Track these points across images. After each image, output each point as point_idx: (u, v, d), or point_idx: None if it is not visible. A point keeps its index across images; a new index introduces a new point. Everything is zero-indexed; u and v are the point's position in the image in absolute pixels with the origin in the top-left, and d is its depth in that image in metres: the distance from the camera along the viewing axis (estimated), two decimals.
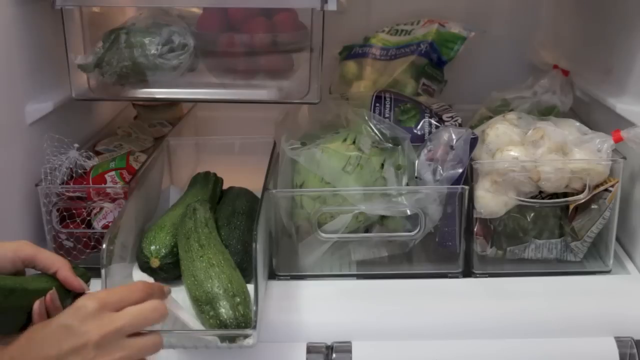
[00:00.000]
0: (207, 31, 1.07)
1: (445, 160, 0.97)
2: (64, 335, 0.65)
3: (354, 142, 1.01)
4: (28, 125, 1.02)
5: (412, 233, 0.98)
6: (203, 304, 0.84)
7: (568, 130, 1.00)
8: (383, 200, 0.97)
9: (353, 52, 1.37)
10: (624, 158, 0.97)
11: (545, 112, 1.15)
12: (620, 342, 0.89)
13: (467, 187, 0.96)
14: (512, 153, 0.96)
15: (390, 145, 1.02)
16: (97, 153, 1.15)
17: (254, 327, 0.82)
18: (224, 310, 0.83)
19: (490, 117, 1.12)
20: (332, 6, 0.98)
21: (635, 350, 0.88)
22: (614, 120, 1.05)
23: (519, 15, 1.46)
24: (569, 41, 1.38)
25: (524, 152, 0.96)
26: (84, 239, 1.01)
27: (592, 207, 0.97)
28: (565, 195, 0.98)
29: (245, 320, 0.83)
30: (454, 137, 0.97)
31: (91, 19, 1.08)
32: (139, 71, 1.04)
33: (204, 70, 1.10)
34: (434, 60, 1.32)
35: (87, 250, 1.02)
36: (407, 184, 0.99)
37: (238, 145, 1.27)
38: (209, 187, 1.11)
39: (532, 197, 0.97)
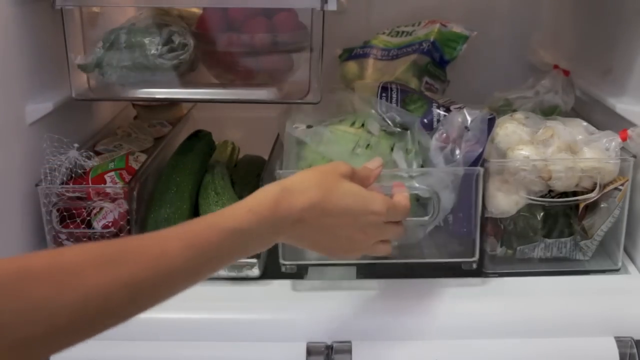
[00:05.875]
0: (207, 31, 1.07)
1: (461, 142, 0.93)
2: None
3: (362, 126, 0.99)
4: (28, 125, 1.02)
5: (426, 218, 0.93)
6: None
7: (576, 129, 1.00)
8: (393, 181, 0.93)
9: (354, 54, 1.36)
10: (634, 157, 0.97)
11: (548, 112, 1.16)
12: (620, 342, 0.89)
13: (482, 169, 0.92)
14: (523, 152, 0.96)
15: (399, 129, 1.00)
16: (97, 153, 1.15)
17: (258, 257, 0.95)
18: None
19: None
20: (332, 6, 0.98)
21: (635, 350, 0.88)
22: (614, 120, 1.05)
23: (519, 15, 1.46)
24: (569, 41, 1.38)
25: (535, 151, 0.96)
26: (84, 239, 1.01)
27: (602, 205, 0.97)
28: (574, 194, 0.98)
29: None
30: (468, 118, 0.94)
31: (91, 19, 1.08)
32: (139, 71, 1.04)
33: (204, 70, 1.10)
34: (436, 59, 1.29)
35: None
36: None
37: (255, 119, 1.34)
38: (227, 152, 1.28)
39: (541, 196, 0.97)
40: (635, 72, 1.05)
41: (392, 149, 0.97)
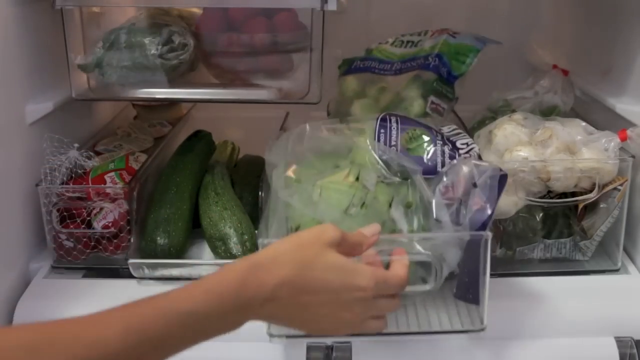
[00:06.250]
0: (207, 31, 1.07)
1: (467, 201, 0.83)
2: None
3: (357, 179, 0.87)
4: (28, 125, 1.02)
5: (427, 287, 0.82)
6: (216, 240, 1.01)
7: (575, 130, 1.01)
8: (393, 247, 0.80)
9: (353, 67, 1.22)
10: (633, 157, 0.97)
11: (547, 112, 1.16)
12: (620, 342, 0.89)
13: (491, 233, 0.81)
14: (521, 153, 0.96)
15: (398, 179, 0.88)
16: (97, 153, 1.15)
17: None
18: (233, 245, 0.99)
19: (493, 118, 1.12)
20: (332, 6, 0.98)
21: (635, 350, 0.88)
22: (614, 120, 1.05)
23: (518, 14, 1.46)
24: (568, 41, 1.38)
25: (533, 152, 0.96)
26: (84, 239, 1.01)
27: (601, 206, 0.97)
28: (573, 194, 0.98)
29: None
30: (476, 173, 0.83)
31: (91, 19, 1.08)
32: (139, 71, 1.04)
33: (204, 70, 1.10)
34: (443, 75, 1.14)
35: (87, 251, 1.02)
36: (421, 225, 0.85)
37: (255, 119, 1.35)
38: (227, 152, 1.30)
39: (540, 197, 0.97)
40: (635, 72, 1.05)
41: (390, 205, 0.86)
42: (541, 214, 0.99)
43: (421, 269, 0.82)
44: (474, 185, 0.83)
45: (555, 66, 1.29)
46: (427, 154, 0.93)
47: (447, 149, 0.93)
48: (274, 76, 1.08)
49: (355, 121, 1.01)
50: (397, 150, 0.93)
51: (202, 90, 1.09)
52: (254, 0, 1.04)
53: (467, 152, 0.93)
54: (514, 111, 1.13)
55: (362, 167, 0.88)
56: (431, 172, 0.90)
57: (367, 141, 0.91)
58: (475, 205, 0.82)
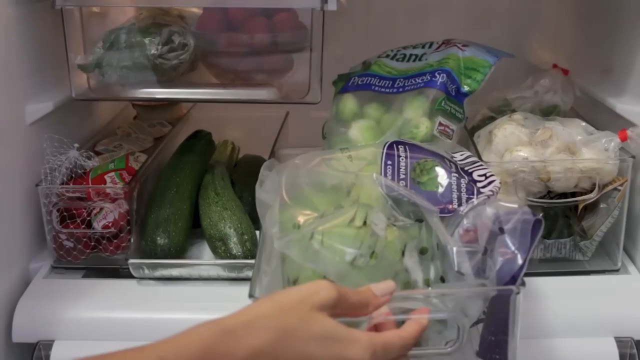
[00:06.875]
0: (207, 31, 1.07)
1: (493, 249, 0.71)
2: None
3: (364, 223, 0.73)
4: (28, 125, 1.02)
5: (448, 350, 0.70)
6: (216, 240, 1.01)
7: (575, 130, 1.01)
8: (406, 303, 0.69)
9: (351, 84, 1.08)
10: (633, 157, 0.97)
11: (547, 112, 1.16)
12: (620, 342, 0.89)
13: (523, 287, 0.70)
14: (521, 153, 0.96)
15: (411, 220, 0.76)
16: (97, 153, 1.15)
17: None
18: (233, 245, 1.00)
19: (493, 117, 1.12)
20: (332, 6, 0.98)
21: (635, 350, 0.88)
22: (614, 120, 1.05)
23: (518, 13, 1.46)
24: (568, 40, 1.38)
25: (533, 153, 0.96)
26: (84, 239, 1.01)
27: (601, 206, 0.98)
28: (573, 194, 0.98)
29: (251, 255, 0.98)
30: (503, 215, 0.73)
31: (91, 19, 1.08)
32: (139, 71, 1.04)
33: (204, 70, 1.10)
34: (451, 92, 1.01)
35: (87, 251, 1.02)
36: (441, 277, 0.74)
37: (255, 119, 1.37)
38: (227, 152, 1.31)
39: (540, 197, 0.97)
40: (635, 72, 1.05)
41: (403, 253, 0.74)
42: (541, 214, 0.98)
43: (437, 322, 0.72)
44: (501, 230, 0.72)
45: (555, 65, 1.29)
46: (441, 188, 0.81)
47: (463, 183, 0.81)
48: (274, 76, 1.08)
49: (356, 149, 0.89)
50: (406, 184, 0.81)
51: (202, 90, 1.09)
52: (254, 0, 1.04)
53: (485, 186, 0.81)
54: (514, 111, 1.13)
55: (369, 208, 0.75)
56: (446, 210, 0.78)
57: (374, 176, 0.79)
58: (503, 254, 0.71)
